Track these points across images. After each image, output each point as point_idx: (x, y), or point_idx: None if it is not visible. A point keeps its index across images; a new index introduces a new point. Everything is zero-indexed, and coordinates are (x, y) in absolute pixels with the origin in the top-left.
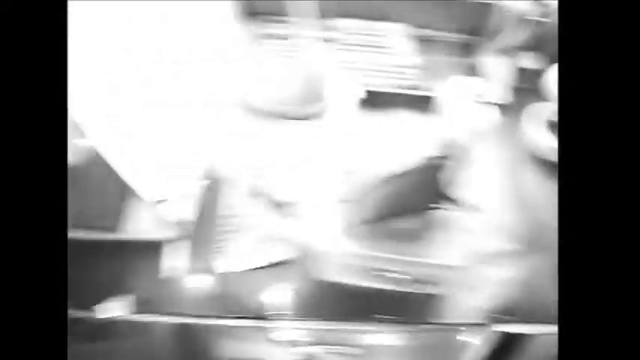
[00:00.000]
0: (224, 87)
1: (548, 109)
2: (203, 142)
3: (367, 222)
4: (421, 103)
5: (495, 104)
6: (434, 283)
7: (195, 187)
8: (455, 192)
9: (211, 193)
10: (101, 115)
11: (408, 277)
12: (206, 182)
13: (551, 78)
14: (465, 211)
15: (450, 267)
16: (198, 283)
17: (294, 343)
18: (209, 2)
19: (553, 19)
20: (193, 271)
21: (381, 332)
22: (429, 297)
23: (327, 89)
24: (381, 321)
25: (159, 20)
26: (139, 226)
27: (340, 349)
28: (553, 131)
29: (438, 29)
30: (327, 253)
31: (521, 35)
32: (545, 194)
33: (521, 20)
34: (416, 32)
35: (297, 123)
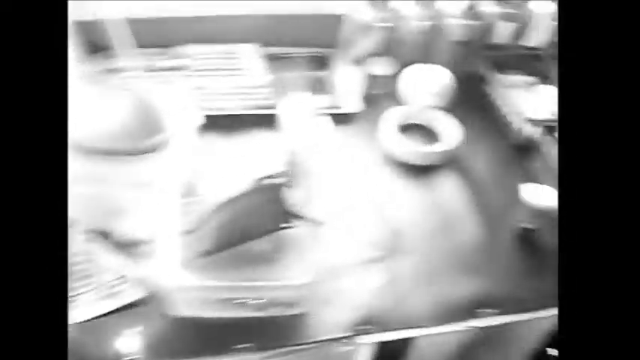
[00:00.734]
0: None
1: (402, 112)
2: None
3: (208, 253)
4: (269, 122)
5: (344, 115)
6: (290, 304)
7: None
8: (302, 209)
9: None
10: None
11: (264, 302)
12: None
13: (403, 82)
14: (316, 226)
15: (305, 285)
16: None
17: None
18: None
19: (397, 24)
20: None
21: None
22: (289, 318)
23: (165, 120)
24: (241, 350)
25: None
26: None
27: None
28: (407, 134)
29: (289, 45)
30: (176, 288)
31: (370, 43)
32: (402, 197)
33: (369, 28)
34: (267, 51)
35: (138, 158)
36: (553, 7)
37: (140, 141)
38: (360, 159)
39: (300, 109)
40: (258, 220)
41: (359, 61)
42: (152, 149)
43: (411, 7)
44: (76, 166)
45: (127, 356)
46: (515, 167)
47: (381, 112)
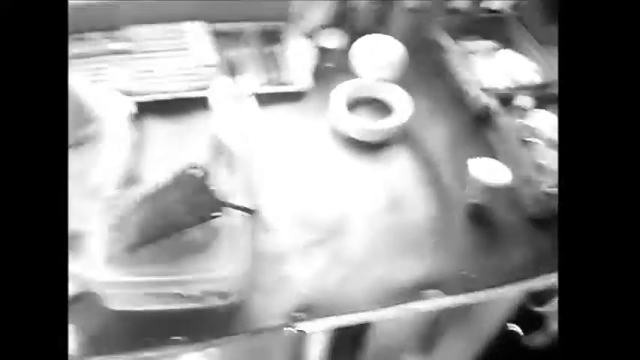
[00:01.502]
0: None
1: (353, 86)
2: None
3: (132, 247)
4: (204, 105)
5: (295, 92)
6: (225, 294)
7: None
8: (234, 196)
9: None
10: None
11: (198, 294)
12: None
13: (355, 54)
14: (250, 213)
15: (240, 274)
16: None
17: None
18: None
19: None
20: None
21: (184, 353)
22: (226, 308)
23: (95, 110)
24: (178, 342)
25: None
26: None
27: None
28: (356, 109)
29: (238, 21)
30: (104, 284)
31: (321, 15)
32: (349, 176)
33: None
34: (215, 28)
35: (70, 149)
36: None
37: (71, 133)
38: (309, 137)
39: (228, 91)
40: (185, 211)
41: (310, 35)
42: (83, 141)
43: None
44: None
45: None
46: (470, 141)
47: (332, 86)
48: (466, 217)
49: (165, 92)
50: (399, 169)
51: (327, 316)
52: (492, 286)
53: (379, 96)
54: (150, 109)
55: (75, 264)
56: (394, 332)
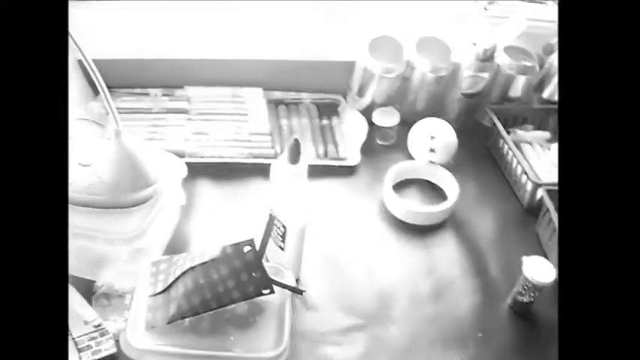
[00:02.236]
0: None
1: (405, 167)
2: None
3: (175, 317)
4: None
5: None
6: None
7: None
8: (283, 274)
9: None
10: None
11: None
12: None
13: (410, 136)
14: (300, 293)
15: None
16: None
17: None
18: None
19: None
20: None
21: None
22: None
23: (154, 172)
24: None
25: None
26: None
27: None
28: (405, 191)
29: (294, 90)
30: (146, 352)
31: (379, 92)
32: (395, 259)
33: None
34: (271, 95)
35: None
36: None
37: (125, 194)
38: (357, 215)
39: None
40: (233, 287)
41: (365, 110)
42: (139, 202)
43: (424, 60)
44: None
45: None
46: (519, 234)
47: (383, 164)
48: (511, 313)
49: (219, 157)
50: (446, 257)
51: None
52: None
53: (429, 179)
54: (202, 172)
55: (116, 323)
56: None
